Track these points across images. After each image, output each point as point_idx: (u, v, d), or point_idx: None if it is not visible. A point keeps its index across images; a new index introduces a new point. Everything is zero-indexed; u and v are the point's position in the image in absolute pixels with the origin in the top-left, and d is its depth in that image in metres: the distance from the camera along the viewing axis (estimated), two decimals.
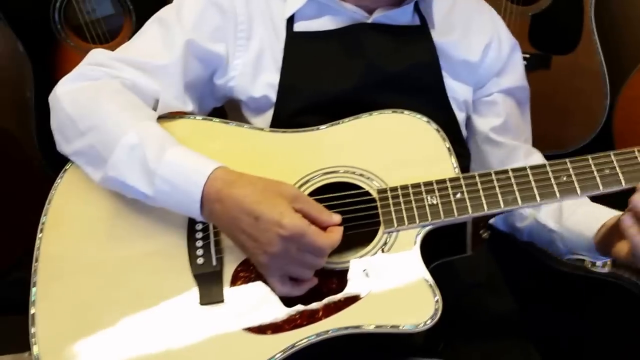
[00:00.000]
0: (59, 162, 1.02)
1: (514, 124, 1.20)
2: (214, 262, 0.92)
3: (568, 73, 1.81)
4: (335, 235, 0.87)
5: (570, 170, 0.92)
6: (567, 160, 0.93)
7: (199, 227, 0.95)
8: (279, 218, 0.84)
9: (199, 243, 0.94)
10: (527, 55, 1.81)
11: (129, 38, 1.12)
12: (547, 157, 0.95)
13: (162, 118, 1.02)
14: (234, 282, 0.92)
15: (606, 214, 1.01)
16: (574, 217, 1.08)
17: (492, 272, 1.16)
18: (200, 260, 0.93)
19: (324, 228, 0.88)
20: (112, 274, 0.93)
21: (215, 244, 0.94)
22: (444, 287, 0.92)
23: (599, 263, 1.51)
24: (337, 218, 0.89)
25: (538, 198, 0.91)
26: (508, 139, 1.18)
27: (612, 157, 0.91)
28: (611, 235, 0.96)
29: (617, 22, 1.89)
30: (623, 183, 0.90)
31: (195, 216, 0.91)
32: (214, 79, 1.10)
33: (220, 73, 1.09)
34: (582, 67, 1.78)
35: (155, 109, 1.02)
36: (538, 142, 1.72)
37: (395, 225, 0.92)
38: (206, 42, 1.06)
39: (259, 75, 1.08)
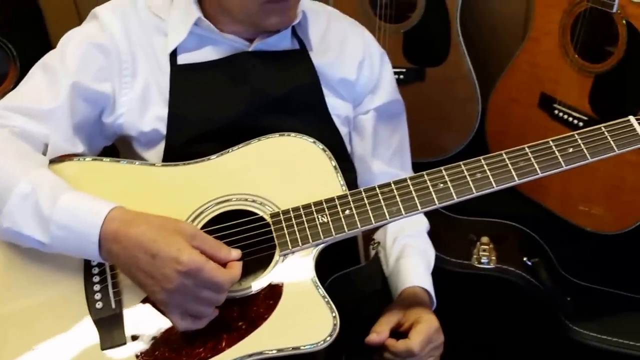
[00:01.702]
0: None
1: (384, 141, 1.25)
2: (113, 305, 0.91)
3: (441, 83, 1.89)
4: (235, 270, 0.88)
5: (446, 177, 0.97)
6: (442, 168, 0.98)
7: (96, 270, 0.94)
8: (177, 254, 0.84)
9: (97, 287, 0.93)
10: (404, 70, 1.89)
11: (15, 85, 1.09)
12: (430, 164, 1.00)
13: (52, 162, 1.00)
14: (134, 323, 0.90)
15: (409, 280, 1.13)
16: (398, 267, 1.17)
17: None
18: (99, 305, 0.91)
19: (223, 264, 0.88)
20: (13, 328, 0.90)
21: (113, 285, 0.92)
22: (343, 299, 0.95)
23: (484, 260, 1.60)
24: (235, 253, 0.90)
25: (419, 206, 0.96)
26: (379, 157, 1.24)
27: (482, 161, 0.98)
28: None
29: (483, 33, 2.00)
30: (494, 185, 0.96)
31: (94, 258, 0.90)
32: (102, 118, 1.09)
33: (108, 112, 1.08)
34: (453, 76, 1.87)
35: (45, 153, 1.00)
36: (420, 150, 1.80)
37: (290, 247, 0.94)
38: (91, 83, 1.05)
39: (146, 110, 1.08)
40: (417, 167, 1.04)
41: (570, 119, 1.65)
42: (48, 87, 1.03)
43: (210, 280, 0.85)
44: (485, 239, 1.64)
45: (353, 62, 1.19)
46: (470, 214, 1.75)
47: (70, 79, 1.03)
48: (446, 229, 1.70)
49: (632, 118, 1.00)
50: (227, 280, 0.86)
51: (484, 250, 1.62)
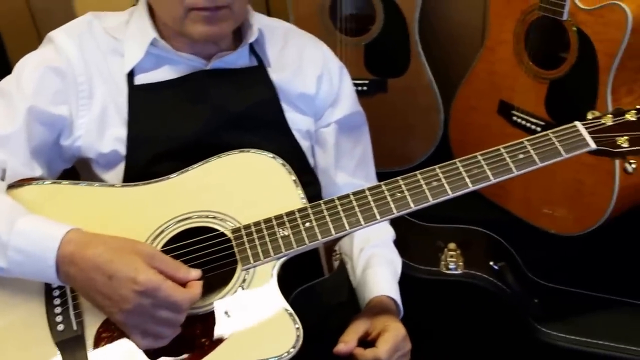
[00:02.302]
0: None
1: (347, 153, 1.26)
2: (75, 327, 0.91)
3: (404, 93, 1.92)
4: (194, 290, 0.88)
5: (403, 186, 0.99)
6: (398, 178, 1.00)
7: (56, 292, 0.93)
8: (134, 274, 0.85)
9: (58, 309, 0.92)
10: (366, 81, 1.92)
11: None
12: (396, 173, 1.02)
13: (11, 187, 0.99)
14: (97, 344, 0.90)
15: (376, 289, 1.15)
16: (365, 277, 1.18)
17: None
18: (60, 327, 0.91)
19: (183, 284, 0.88)
20: None
21: (74, 307, 0.92)
22: (309, 312, 0.95)
23: (452, 266, 1.62)
24: (195, 273, 0.90)
25: (378, 216, 0.98)
26: (343, 169, 1.25)
27: (438, 170, 1.00)
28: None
29: (442, 43, 2.03)
30: (449, 192, 0.98)
31: (53, 281, 0.90)
32: (60, 141, 1.09)
33: (65, 134, 1.08)
34: (415, 86, 1.90)
35: (3, 178, 0.99)
36: (387, 160, 1.83)
37: (252, 261, 0.95)
38: (48, 106, 1.05)
39: (105, 131, 1.08)
40: (384, 176, 1.05)
41: (529, 124, 1.69)
42: (4, 112, 1.03)
43: (168, 299, 0.85)
44: (452, 245, 1.66)
45: (312, 77, 1.20)
46: (438, 220, 1.77)
47: (26, 103, 1.03)
48: (414, 237, 1.72)
49: (578, 123, 1.03)
50: (186, 300, 0.86)
51: (452, 257, 1.64)
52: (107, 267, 0.86)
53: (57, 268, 0.88)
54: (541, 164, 0.99)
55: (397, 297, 1.15)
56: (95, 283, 0.86)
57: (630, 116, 1.04)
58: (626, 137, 1.02)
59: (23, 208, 0.93)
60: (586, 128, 1.02)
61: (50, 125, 1.06)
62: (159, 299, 0.85)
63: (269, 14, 2.11)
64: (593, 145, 1.01)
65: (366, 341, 1.05)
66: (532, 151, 1.00)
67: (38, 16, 2.05)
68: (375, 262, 1.19)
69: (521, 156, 1.00)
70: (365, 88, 1.92)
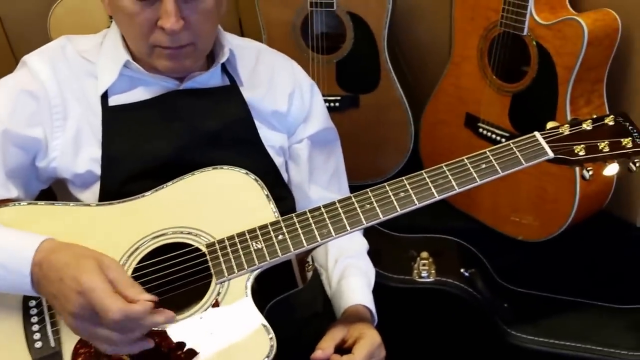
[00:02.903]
0: None
1: (320, 168, 1.27)
2: (52, 343, 0.91)
3: (375, 109, 1.93)
4: (135, 306, 0.83)
5: (372, 198, 1.01)
6: (368, 190, 1.02)
7: (34, 311, 0.93)
8: (79, 275, 0.84)
9: (35, 327, 0.92)
10: (339, 98, 1.93)
11: None
12: (369, 186, 1.03)
13: None
14: None
15: (352, 298, 1.16)
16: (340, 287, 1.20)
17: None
18: (38, 344, 0.90)
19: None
20: None
21: (52, 324, 0.92)
22: (284, 323, 0.96)
23: (424, 274, 1.63)
24: (148, 297, 0.86)
25: (348, 227, 0.99)
26: (316, 183, 1.26)
27: (405, 181, 1.02)
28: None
29: (411, 60, 2.05)
30: (416, 202, 1.00)
31: (29, 292, 0.89)
32: (36, 162, 1.08)
33: (41, 156, 1.08)
34: (385, 101, 1.91)
35: None
36: (360, 173, 1.84)
37: (226, 274, 0.96)
38: (22, 129, 1.05)
39: (79, 152, 1.08)
40: (357, 189, 1.07)
41: (494, 136, 1.72)
42: None
43: (98, 302, 0.82)
44: (424, 254, 1.68)
45: (283, 95, 1.21)
46: (410, 230, 1.79)
47: (1, 127, 1.03)
48: (387, 247, 1.74)
49: (537, 134, 1.05)
50: (116, 309, 0.82)
51: (424, 265, 1.65)
52: (61, 269, 0.85)
53: (32, 278, 0.87)
54: (503, 172, 1.02)
55: (371, 306, 1.16)
56: (51, 286, 0.86)
57: (587, 125, 1.07)
58: (583, 146, 1.05)
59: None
60: (545, 138, 1.05)
61: (25, 147, 1.06)
62: (93, 300, 0.83)
63: (242, 33, 2.12)
64: (551, 154, 1.04)
65: (342, 348, 1.06)
66: (494, 161, 1.02)
67: (14, 40, 2.05)
68: (350, 273, 1.20)
69: (484, 166, 1.02)
70: (337, 104, 1.94)
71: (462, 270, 1.66)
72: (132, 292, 0.85)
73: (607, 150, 1.04)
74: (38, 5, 1.86)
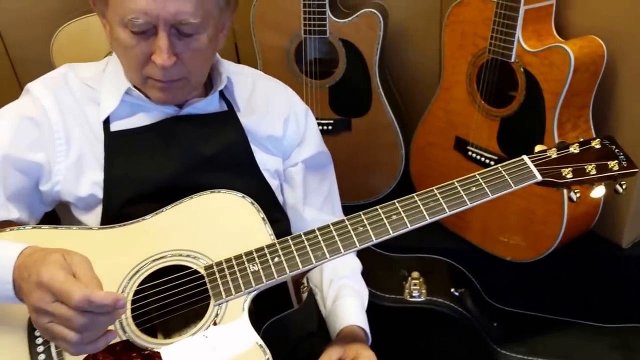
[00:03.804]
0: None
1: (314, 190, 1.29)
2: None
3: (367, 132, 1.95)
4: (98, 292, 0.80)
5: (365, 221, 1.02)
6: (361, 213, 1.03)
7: (38, 332, 0.92)
8: (40, 268, 0.82)
9: (40, 348, 0.92)
10: (331, 121, 1.96)
11: None
12: (362, 206, 1.05)
13: None
14: None
15: (348, 319, 1.17)
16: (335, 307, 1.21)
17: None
18: None
19: None
20: None
21: (57, 346, 0.91)
22: (280, 343, 0.97)
23: (415, 293, 1.64)
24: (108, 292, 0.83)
25: (342, 249, 1.00)
26: (311, 205, 1.28)
27: (397, 204, 1.03)
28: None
29: (401, 84, 2.07)
30: (408, 225, 1.01)
31: (12, 298, 0.88)
32: (39, 186, 1.10)
33: (44, 180, 1.09)
34: (376, 125, 1.93)
35: None
36: (352, 194, 1.86)
37: (224, 296, 0.96)
38: (24, 154, 1.06)
39: (82, 176, 1.10)
40: (350, 209, 1.08)
41: (483, 159, 1.74)
42: None
43: (58, 288, 0.80)
44: (415, 274, 1.69)
45: (279, 120, 1.23)
46: (402, 250, 1.80)
47: (2, 151, 1.04)
48: (379, 267, 1.74)
49: (525, 157, 1.07)
50: (79, 292, 0.79)
51: (415, 285, 1.66)
52: (31, 267, 0.84)
53: (14, 285, 0.87)
54: (492, 195, 1.03)
55: (366, 327, 1.18)
56: (24, 284, 0.85)
57: (574, 149, 1.09)
58: (570, 169, 1.06)
59: None
60: (533, 161, 1.07)
61: (26, 171, 1.07)
62: (53, 289, 0.81)
63: (238, 58, 2.15)
64: (539, 177, 1.06)
65: None
66: (484, 184, 1.04)
67: (17, 64, 2.07)
68: (345, 294, 1.21)
69: (474, 189, 1.03)
70: (330, 127, 1.96)
71: (452, 290, 1.67)
72: (92, 285, 0.83)
73: (594, 172, 1.06)
74: (41, 31, 1.87)
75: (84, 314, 0.81)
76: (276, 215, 1.16)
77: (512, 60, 1.59)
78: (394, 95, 2.02)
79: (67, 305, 0.80)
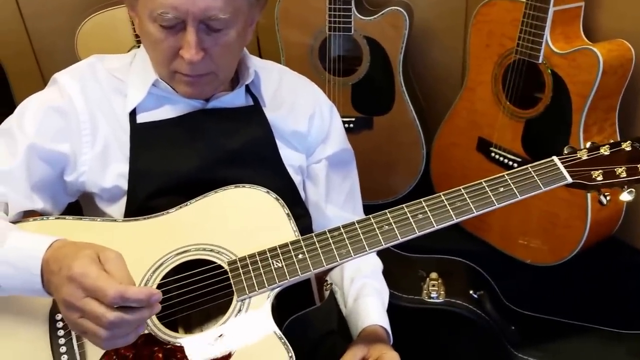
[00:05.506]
0: None
1: (336, 187, 1.27)
2: (78, 358, 0.89)
3: (388, 130, 1.93)
4: (131, 288, 0.79)
5: (390, 219, 1.00)
6: (386, 211, 1.01)
7: (60, 324, 0.92)
8: (72, 263, 0.81)
9: (62, 340, 0.91)
10: (353, 119, 1.94)
11: None
12: (381, 205, 1.02)
13: (16, 223, 0.99)
14: None
15: (370, 318, 1.15)
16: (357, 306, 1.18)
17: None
18: (64, 358, 0.89)
19: None
20: None
21: (77, 338, 0.91)
22: (301, 340, 0.95)
23: (434, 295, 1.62)
24: (150, 290, 0.82)
25: (367, 248, 0.98)
26: (333, 202, 1.26)
27: (423, 203, 1.01)
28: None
29: (424, 83, 2.05)
30: (434, 224, 0.99)
31: (39, 291, 0.86)
32: (64, 176, 1.09)
33: (69, 170, 1.08)
34: (398, 123, 1.92)
35: (7, 211, 1.00)
36: (372, 193, 1.84)
37: (247, 292, 0.95)
38: (50, 144, 1.05)
39: (107, 167, 1.08)
40: (369, 208, 1.06)
41: (506, 160, 1.71)
42: (6, 150, 1.04)
43: (92, 285, 0.79)
44: (434, 275, 1.66)
45: (304, 116, 1.22)
46: (420, 251, 1.77)
47: (27, 141, 1.04)
48: (398, 267, 1.72)
49: (555, 158, 1.04)
50: (113, 289, 0.78)
51: (433, 286, 1.64)
52: (62, 260, 0.83)
53: (42, 277, 0.85)
54: (521, 197, 1.01)
55: (388, 326, 1.16)
56: (53, 278, 0.83)
57: (604, 151, 1.05)
58: (600, 171, 1.03)
59: (15, 226, 0.92)
60: (563, 162, 1.04)
61: (51, 161, 1.06)
62: (85, 285, 0.79)
63: (259, 53, 2.13)
64: (569, 179, 1.03)
65: None
66: (512, 185, 1.01)
67: (41, 58, 2.06)
68: (366, 292, 1.19)
69: (502, 189, 1.01)
70: (352, 125, 1.94)
71: (470, 291, 1.65)
72: (126, 282, 0.81)
73: (625, 175, 1.03)
74: (66, 23, 1.87)
75: (114, 312, 0.79)
76: (299, 211, 1.14)
77: (540, 61, 1.56)
78: (417, 94, 2.00)
79: (100, 301, 0.79)
